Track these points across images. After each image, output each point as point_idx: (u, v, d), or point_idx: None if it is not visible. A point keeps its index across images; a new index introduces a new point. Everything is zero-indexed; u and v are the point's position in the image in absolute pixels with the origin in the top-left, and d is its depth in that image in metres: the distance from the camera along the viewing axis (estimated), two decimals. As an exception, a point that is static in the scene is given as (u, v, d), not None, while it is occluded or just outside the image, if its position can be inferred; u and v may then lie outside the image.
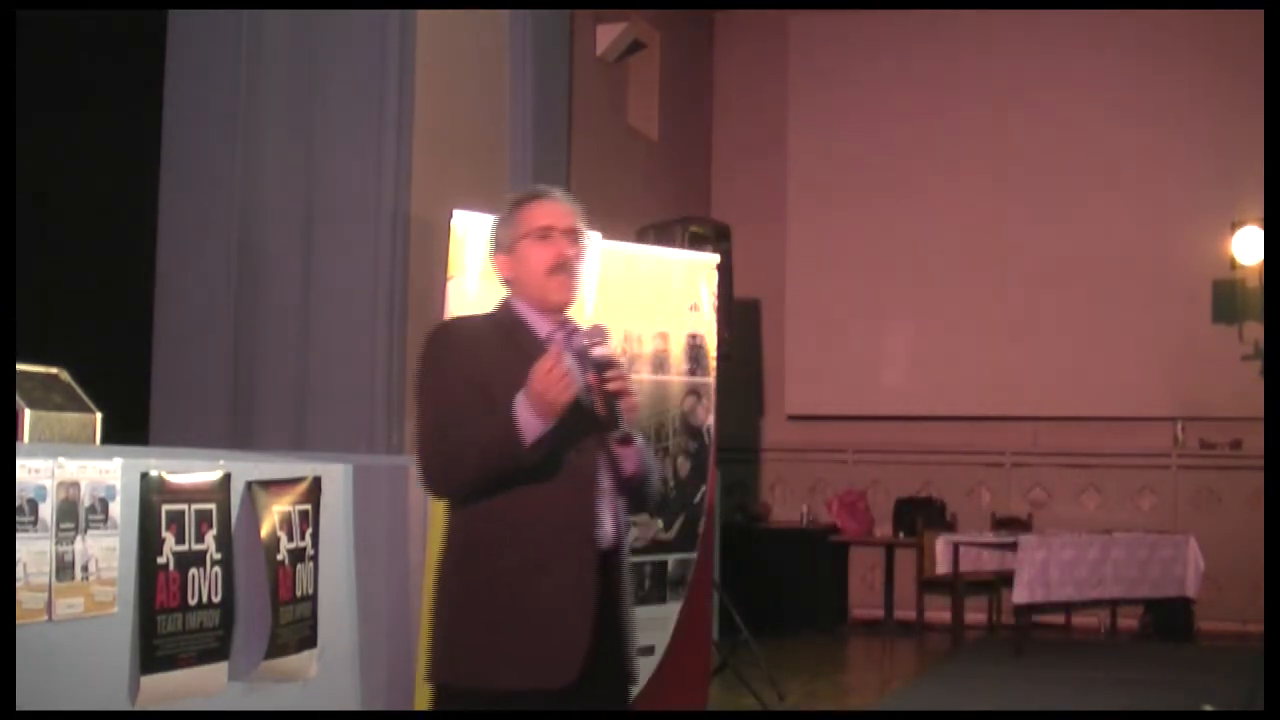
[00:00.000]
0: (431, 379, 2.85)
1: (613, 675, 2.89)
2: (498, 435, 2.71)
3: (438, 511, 3.46)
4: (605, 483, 2.87)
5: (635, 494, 2.97)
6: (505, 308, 2.96)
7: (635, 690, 2.99)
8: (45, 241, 4.85)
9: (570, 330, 2.93)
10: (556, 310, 2.93)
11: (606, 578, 2.85)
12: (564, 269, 2.89)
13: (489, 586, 2.78)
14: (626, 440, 2.86)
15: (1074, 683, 7.43)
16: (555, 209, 2.94)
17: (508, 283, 2.97)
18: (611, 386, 2.80)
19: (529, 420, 2.69)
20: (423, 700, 3.49)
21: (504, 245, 2.95)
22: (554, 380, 2.68)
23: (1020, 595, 8.41)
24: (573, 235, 2.93)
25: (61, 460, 3.01)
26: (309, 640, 3.74)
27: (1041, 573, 8.44)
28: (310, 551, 3.77)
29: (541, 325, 2.91)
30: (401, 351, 5.66)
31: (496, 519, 2.79)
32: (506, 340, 2.87)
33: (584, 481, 2.81)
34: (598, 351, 2.84)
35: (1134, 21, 9.72)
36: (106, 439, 3.59)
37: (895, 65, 10.34)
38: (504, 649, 2.75)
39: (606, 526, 2.86)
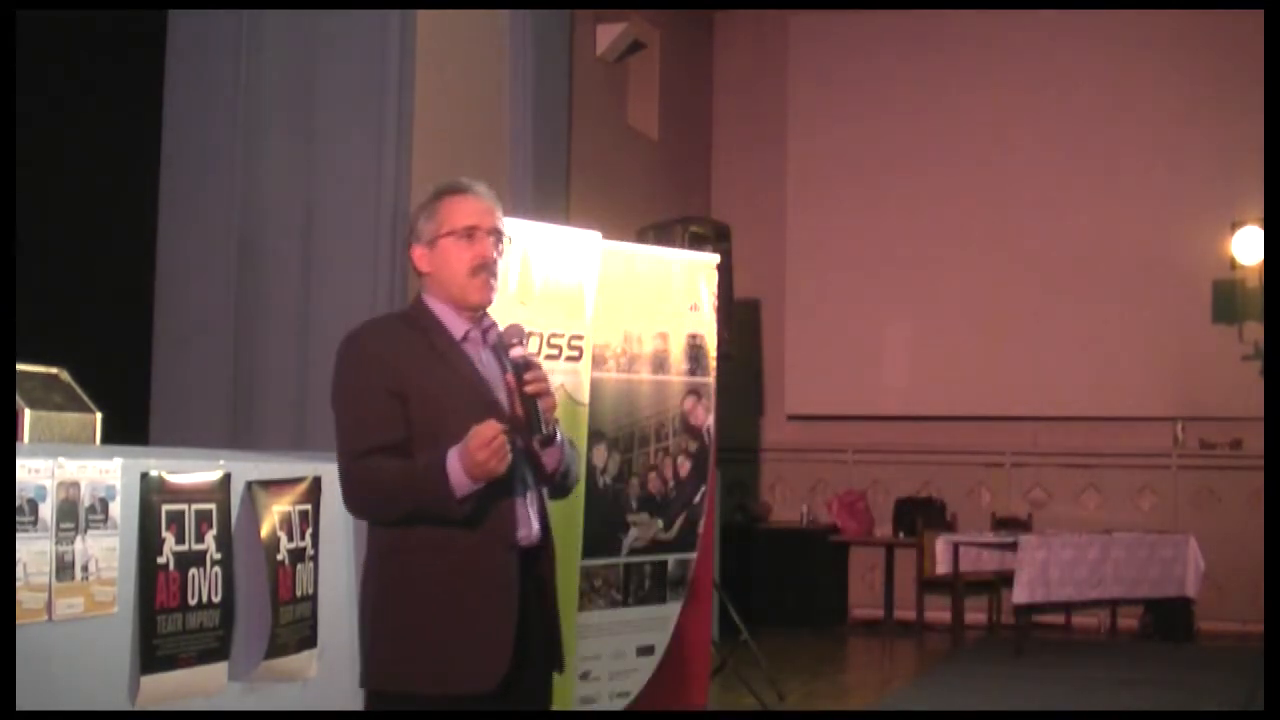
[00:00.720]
0: (348, 388, 2.81)
1: (543, 670, 2.89)
2: (428, 487, 2.67)
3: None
4: (527, 482, 2.85)
5: (557, 487, 2.97)
6: (420, 307, 2.93)
7: (561, 675, 2.98)
8: (45, 241, 4.85)
9: (487, 328, 2.92)
10: (475, 310, 2.91)
11: (532, 575, 2.84)
12: (486, 269, 2.87)
13: (411, 593, 2.76)
14: (548, 440, 2.84)
15: (1074, 683, 7.42)
16: (479, 206, 2.90)
17: (424, 276, 2.94)
18: (531, 389, 2.78)
19: (460, 479, 2.65)
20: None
21: (424, 239, 2.91)
22: (493, 451, 2.63)
23: (1020, 595, 8.41)
24: (496, 235, 2.90)
25: (61, 460, 3.00)
26: (309, 640, 3.74)
27: (1041, 573, 8.44)
28: (310, 551, 3.76)
29: (458, 325, 2.89)
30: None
31: (417, 525, 2.75)
32: (424, 342, 2.84)
33: (505, 484, 2.76)
34: (516, 352, 2.82)
35: (1134, 21, 9.72)
36: (106, 439, 3.58)
37: (895, 65, 10.33)
38: (429, 656, 2.73)
39: (532, 524, 2.85)
